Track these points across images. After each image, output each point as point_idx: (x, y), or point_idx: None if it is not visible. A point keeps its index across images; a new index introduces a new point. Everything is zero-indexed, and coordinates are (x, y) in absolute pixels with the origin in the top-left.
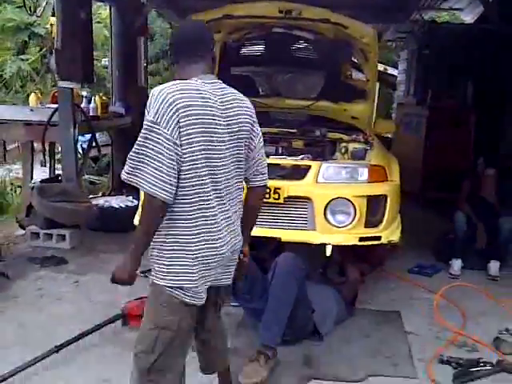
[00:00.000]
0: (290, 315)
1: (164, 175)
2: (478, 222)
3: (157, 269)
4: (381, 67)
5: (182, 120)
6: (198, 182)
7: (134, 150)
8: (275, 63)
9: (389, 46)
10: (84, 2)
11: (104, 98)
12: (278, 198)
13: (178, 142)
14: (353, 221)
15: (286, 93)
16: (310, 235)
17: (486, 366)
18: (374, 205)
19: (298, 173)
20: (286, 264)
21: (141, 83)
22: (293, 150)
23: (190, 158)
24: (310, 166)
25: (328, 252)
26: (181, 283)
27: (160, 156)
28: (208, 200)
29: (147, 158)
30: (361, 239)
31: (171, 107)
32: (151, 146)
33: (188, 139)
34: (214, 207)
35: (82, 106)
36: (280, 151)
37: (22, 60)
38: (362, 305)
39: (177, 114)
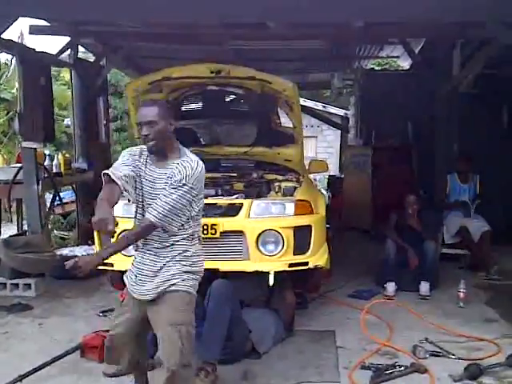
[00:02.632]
0: (227, 335)
1: None
2: (406, 246)
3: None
4: (341, 112)
5: None
6: None
7: None
8: (213, 116)
9: (341, 92)
10: (44, 69)
11: (67, 155)
12: (215, 233)
13: None
14: (282, 249)
15: (224, 141)
16: (244, 264)
17: (400, 368)
18: (301, 234)
19: (233, 210)
20: (219, 289)
21: (102, 140)
22: (231, 191)
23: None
24: (242, 204)
25: (271, 281)
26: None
27: None
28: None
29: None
30: (290, 265)
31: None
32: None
33: None
34: None
35: (46, 163)
36: (219, 192)
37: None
38: (301, 327)
39: None
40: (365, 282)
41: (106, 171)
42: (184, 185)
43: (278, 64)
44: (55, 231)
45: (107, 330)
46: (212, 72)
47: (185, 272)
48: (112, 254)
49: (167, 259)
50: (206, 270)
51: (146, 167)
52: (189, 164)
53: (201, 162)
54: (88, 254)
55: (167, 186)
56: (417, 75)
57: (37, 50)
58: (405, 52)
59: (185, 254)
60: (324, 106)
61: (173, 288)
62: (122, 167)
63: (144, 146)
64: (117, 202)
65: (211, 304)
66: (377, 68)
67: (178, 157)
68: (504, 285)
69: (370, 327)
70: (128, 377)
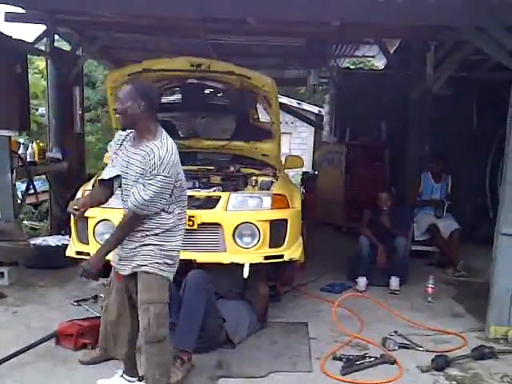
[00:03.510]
0: (201, 325)
1: None
2: (378, 243)
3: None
4: (316, 109)
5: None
6: None
7: None
8: (192, 109)
9: (316, 90)
10: (20, 56)
11: (41, 144)
12: (193, 225)
13: None
14: (258, 242)
15: (203, 134)
16: (221, 256)
17: (370, 359)
18: (277, 228)
19: (210, 203)
20: (195, 279)
21: (77, 130)
22: (208, 184)
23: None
24: (220, 197)
25: (245, 274)
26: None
27: None
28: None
29: None
30: (266, 258)
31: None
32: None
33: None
34: None
35: (20, 152)
36: (197, 185)
37: None
38: (275, 319)
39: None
40: (337, 277)
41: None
42: (157, 175)
43: (255, 59)
44: (25, 221)
45: (83, 319)
46: (192, 65)
47: (158, 255)
48: (108, 252)
49: (142, 242)
50: (182, 260)
51: (124, 148)
52: (158, 150)
53: (172, 148)
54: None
55: (142, 175)
56: (391, 75)
57: (13, 37)
58: (380, 52)
59: (160, 240)
60: (299, 103)
61: (145, 269)
62: (109, 169)
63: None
64: (104, 202)
65: (186, 294)
66: (352, 67)
67: (153, 138)
68: (470, 282)
69: (342, 320)
70: (106, 364)
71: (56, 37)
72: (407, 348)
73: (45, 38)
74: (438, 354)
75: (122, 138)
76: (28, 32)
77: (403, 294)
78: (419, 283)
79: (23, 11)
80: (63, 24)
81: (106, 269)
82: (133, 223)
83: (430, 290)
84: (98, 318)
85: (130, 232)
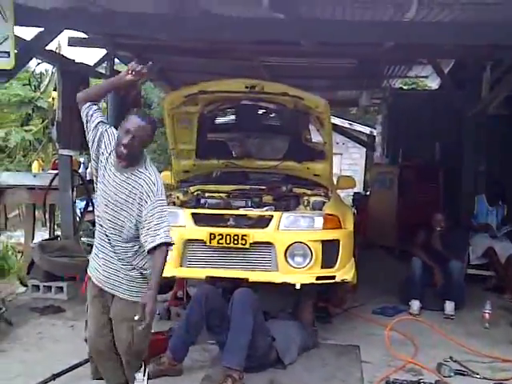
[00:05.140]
0: (251, 343)
1: None
2: (433, 265)
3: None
4: (367, 130)
5: None
6: None
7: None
8: (245, 129)
9: (368, 110)
10: (82, 79)
11: None
12: (245, 244)
13: None
14: (310, 262)
15: (255, 155)
16: (273, 276)
17: None
18: (329, 248)
19: (263, 222)
20: (242, 297)
21: None
22: (260, 203)
23: None
24: (272, 216)
25: (296, 294)
26: None
27: None
28: None
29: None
30: (317, 278)
31: None
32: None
33: None
34: None
35: (80, 171)
36: (249, 204)
37: (26, 131)
38: (326, 341)
39: None
40: (389, 300)
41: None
42: (163, 200)
43: (307, 80)
44: (83, 238)
45: None
46: (247, 87)
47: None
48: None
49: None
50: (234, 279)
51: (108, 163)
52: (155, 179)
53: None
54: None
55: (147, 205)
56: (445, 95)
57: (76, 61)
58: (433, 72)
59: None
60: (350, 124)
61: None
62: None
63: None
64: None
65: (234, 312)
66: (405, 87)
67: (141, 166)
68: None
69: (395, 344)
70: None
71: (116, 60)
72: (463, 375)
73: (105, 62)
74: (496, 382)
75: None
76: (90, 56)
77: (458, 319)
78: (475, 308)
79: (85, 36)
80: (123, 48)
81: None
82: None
83: (486, 315)
84: (153, 334)
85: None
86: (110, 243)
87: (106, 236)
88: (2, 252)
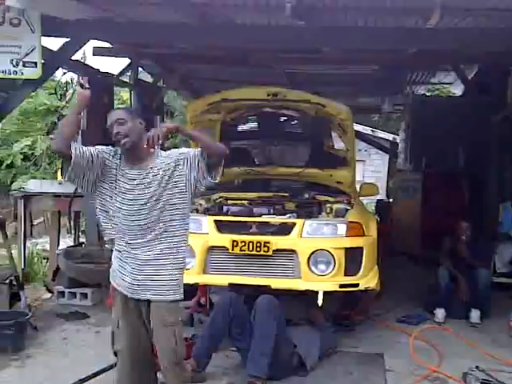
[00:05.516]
0: (274, 351)
1: None
2: (459, 275)
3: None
4: (390, 137)
5: None
6: None
7: None
8: (267, 137)
9: (390, 117)
10: (106, 88)
11: None
12: (268, 251)
13: None
14: (333, 270)
15: (277, 162)
16: (296, 283)
17: None
18: (352, 256)
19: (285, 229)
20: (265, 304)
21: None
22: (283, 210)
23: None
24: (294, 223)
25: (319, 301)
26: None
27: None
28: None
29: None
30: (341, 286)
31: None
32: None
33: None
34: None
35: None
36: (272, 211)
37: (52, 139)
38: (349, 349)
39: None
40: (413, 308)
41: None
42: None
43: (329, 87)
44: (107, 245)
45: None
46: (269, 95)
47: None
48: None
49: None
50: (256, 286)
51: (119, 168)
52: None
53: None
54: None
55: (187, 160)
56: (470, 101)
57: (101, 70)
58: (457, 79)
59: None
60: (373, 131)
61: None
62: (88, 148)
63: (113, 151)
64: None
65: (258, 319)
66: (428, 94)
67: (154, 157)
68: None
69: (419, 352)
70: None
71: (139, 69)
72: None
73: (129, 71)
74: None
75: (111, 153)
76: (114, 65)
77: (484, 328)
78: (501, 317)
79: (110, 46)
80: (146, 57)
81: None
82: (221, 152)
83: None
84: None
85: (208, 146)
86: (140, 244)
87: (136, 237)
88: (28, 258)
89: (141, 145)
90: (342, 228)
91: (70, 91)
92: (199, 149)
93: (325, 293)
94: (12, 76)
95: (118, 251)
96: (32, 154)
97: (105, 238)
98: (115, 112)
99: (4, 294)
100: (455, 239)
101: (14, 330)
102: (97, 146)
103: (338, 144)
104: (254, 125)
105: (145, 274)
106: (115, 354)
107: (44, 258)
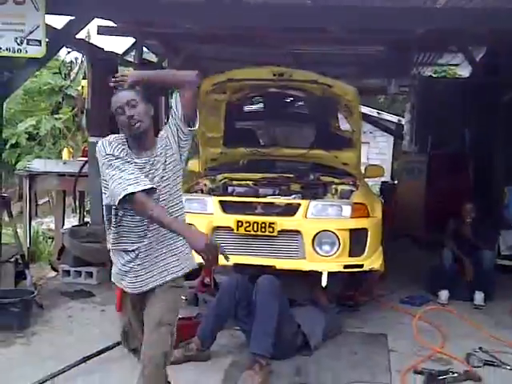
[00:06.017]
0: (276, 330)
1: None
2: (463, 256)
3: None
4: (395, 119)
5: None
6: None
7: None
8: (273, 117)
9: (396, 99)
10: (111, 68)
11: None
12: (273, 232)
13: None
14: (337, 250)
15: (283, 143)
16: (300, 263)
17: (453, 374)
18: (357, 237)
19: (290, 210)
20: (266, 284)
21: None
22: (288, 191)
23: None
24: (300, 204)
25: (324, 282)
26: None
27: None
28: None
29: None
30: (345, 266)
31: None
32: None
33: None
34: None
35: None
36: (276, 192)
37: (56, 119)
38: (353, 328)
39: None
40: (416, 289)
41: (141, 189)
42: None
43: (335, 68)
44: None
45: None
46: (275, 74)
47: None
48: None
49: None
50: (261, 266)
51: (130, 158)
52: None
53: None
54: None
55: (170, 131)
56: (477, 83)
57: (105, 49)
58: (464, 60)
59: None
60: (378, 113)
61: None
62: (139, 176)
63: (115, 141)
64: None
65: (259, 299)
66: (434, 75)
67: (156, 142)
68: None
69: (423, 333)
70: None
71: (144, 49)
72: (493, 365)
73: (134, 50)
74: None
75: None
76: (118, 44)
77: (488, 310)
78: (505, 299)
79: (114, 25)
80: (151, 36)
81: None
82: (190, 84)
83: None
84: (180, 319)
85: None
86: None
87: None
88: (34, 237)
89: (150, 131)
90: (346, 209)
91: (75, 70)
92: (172, 107)
93: (329, 274)
94: (16, 54)
95: (125, 246)
96: (37, 133)
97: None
98: (124, 93)
99: (10, 272)
100: (460, 221)
101: (20, 308)
102: (113, 160)
103: (344, 125)
104: (260, 105)
105: (155, 258)
106: (133, 351)
107: (49, 238)
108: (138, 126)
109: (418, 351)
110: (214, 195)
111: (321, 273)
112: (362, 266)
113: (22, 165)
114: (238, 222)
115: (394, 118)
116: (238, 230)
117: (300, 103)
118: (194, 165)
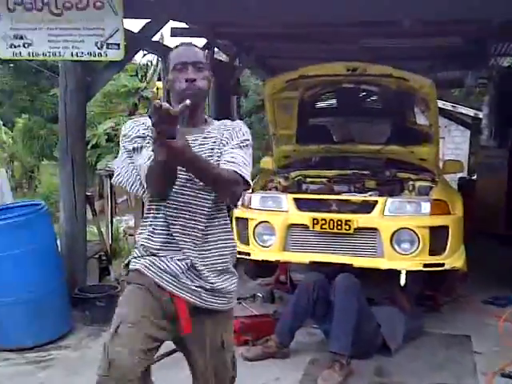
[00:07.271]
0: (356, 329)
1: None
2: None
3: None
4: (472, 112)
5: None
6: None
7: None
8: (347, 113)
9: (472, 92)
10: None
11: None
12: (349, 229)
13: None
14: (417, 249)
15: (357, 139)
16: (378, 262)
17: None
18: (437, 235)
19: (367, 207)
20: (345, 282)
21: None
22: (363, 188)
23: None
24: (376, 201)
25: (402, 281)
26: None
27: None
28: None
29: None
30: (425, 265)
31: None
32: None
33: None
34: None
35: None
36: (352, 189)
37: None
38: (435, 329)
39: None
40: (500, 289)
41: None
42: (248, 144)
43: (409, 62)
44: None
45: (244, 317)
46: (348, 70)
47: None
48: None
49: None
50: (338, 264)
51: None
52: (237, 123)
53: None
54: None
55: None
56: None
57: None
58: None
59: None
60: (454, 106)
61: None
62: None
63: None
64: None
65: (338, 297)
66: None
67: (207, 124)
68: None
69: (509, 335)
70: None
71: (215, 49)
72: None
73: (205, 51)
74: None
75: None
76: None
77: None
78: None
79: (187, 26)
80: (222, 36)
81: (265, 269)
82: (233, 188)
83: None
84: (258, 316)
85: (210, 178)
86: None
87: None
88: (115, 235)
89: (202, 106)
90: (426, 206)
91: (150, 72)
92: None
93: (408, 273)
94: (97, 58)
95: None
96: (115, 135)
97: None
98: (194, 50)
99: (94, 268)
100: None
101: (105, 303)
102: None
103: (421, 120)
104: (333, 101)
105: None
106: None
107: (130, 235)
108: (195, 93)
109: (505, 353)
110: (289, 192)
111: (399, 272)
112: (442, 264)
113: (102, 164)
114: (314, 219)
115: (471, 112)
116: (313, 227)
117: (374, 98)
118: (268, 162)
